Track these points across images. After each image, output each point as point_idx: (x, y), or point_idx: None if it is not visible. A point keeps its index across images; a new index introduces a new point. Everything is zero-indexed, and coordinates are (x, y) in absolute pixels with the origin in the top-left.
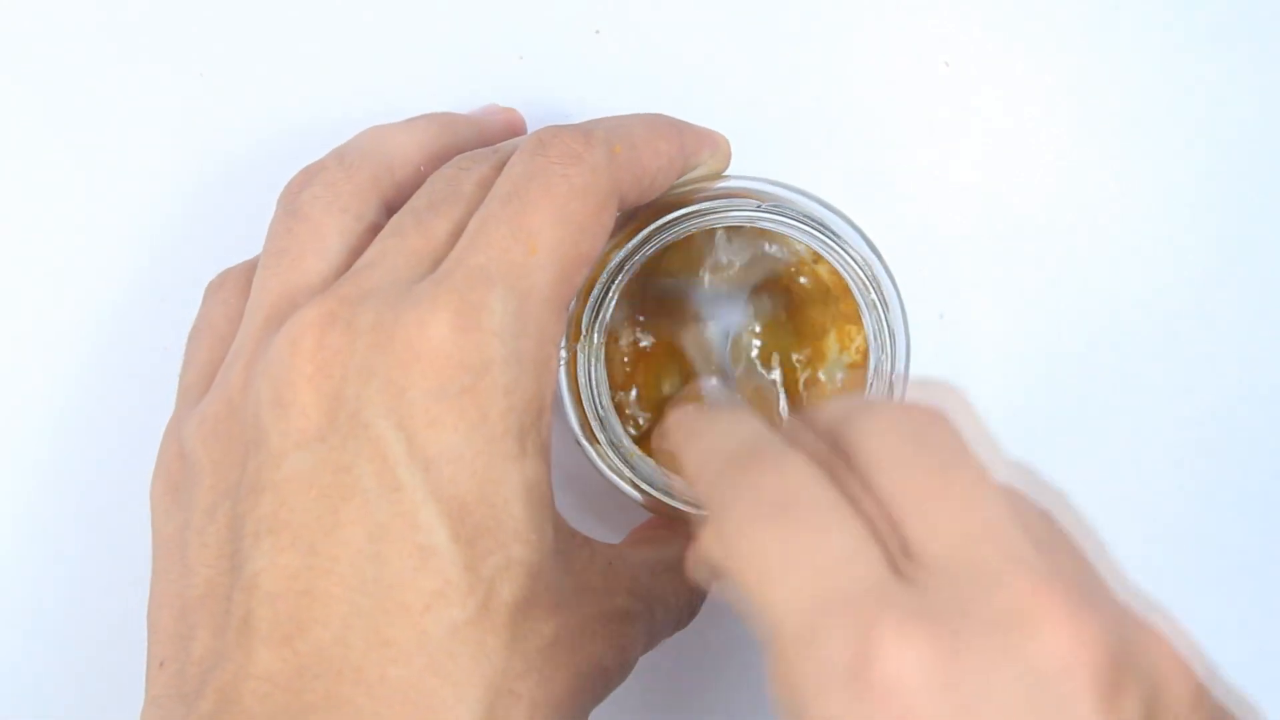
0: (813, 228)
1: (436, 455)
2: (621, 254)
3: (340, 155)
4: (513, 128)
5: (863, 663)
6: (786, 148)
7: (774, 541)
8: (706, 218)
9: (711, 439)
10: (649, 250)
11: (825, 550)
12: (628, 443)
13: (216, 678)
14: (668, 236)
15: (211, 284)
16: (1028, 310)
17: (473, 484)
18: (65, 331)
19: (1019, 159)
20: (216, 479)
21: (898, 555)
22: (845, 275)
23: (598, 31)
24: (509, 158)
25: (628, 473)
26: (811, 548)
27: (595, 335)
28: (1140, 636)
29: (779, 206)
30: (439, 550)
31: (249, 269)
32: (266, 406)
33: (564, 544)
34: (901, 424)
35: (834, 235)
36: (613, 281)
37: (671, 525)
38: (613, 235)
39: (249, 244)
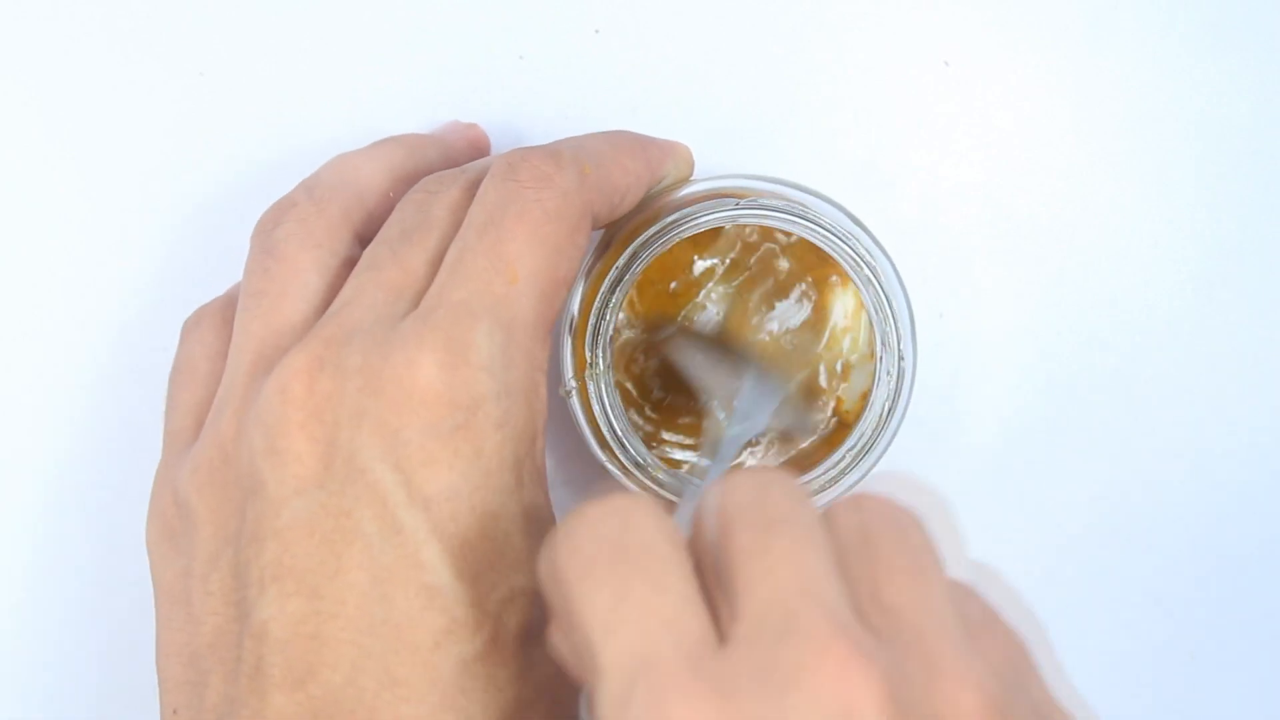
0: (791, 214)
1: (435, 494)
2: (612, 274)
3: (309, 189)
4: (477, 145)
5: None
6: (786, 147)
7: (608, 588)
8: (685, 226)
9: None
10: (638, 267)
11: (655, 607)
12: (650, 458)
13: None
14: (655, 248)
15: (188, 323)
16: (1028, 310)
17: (472, 520)
18: (70, 333)
19: (1019, 159)
20: (216, 527)
21: (728, 614)
22: (833, 253)
23: (598, 31)
24: (477, 179)
25: (655, 489)
26: (642, 602)
27: (600, 361)
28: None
29: (755, 201)
30: (444, 589)
31: (225, 305)
32: (261, 455)
33: None
34: (745, 487)
35: (814, 218)
36: (606, 305)
37: None
38: (597, 257)
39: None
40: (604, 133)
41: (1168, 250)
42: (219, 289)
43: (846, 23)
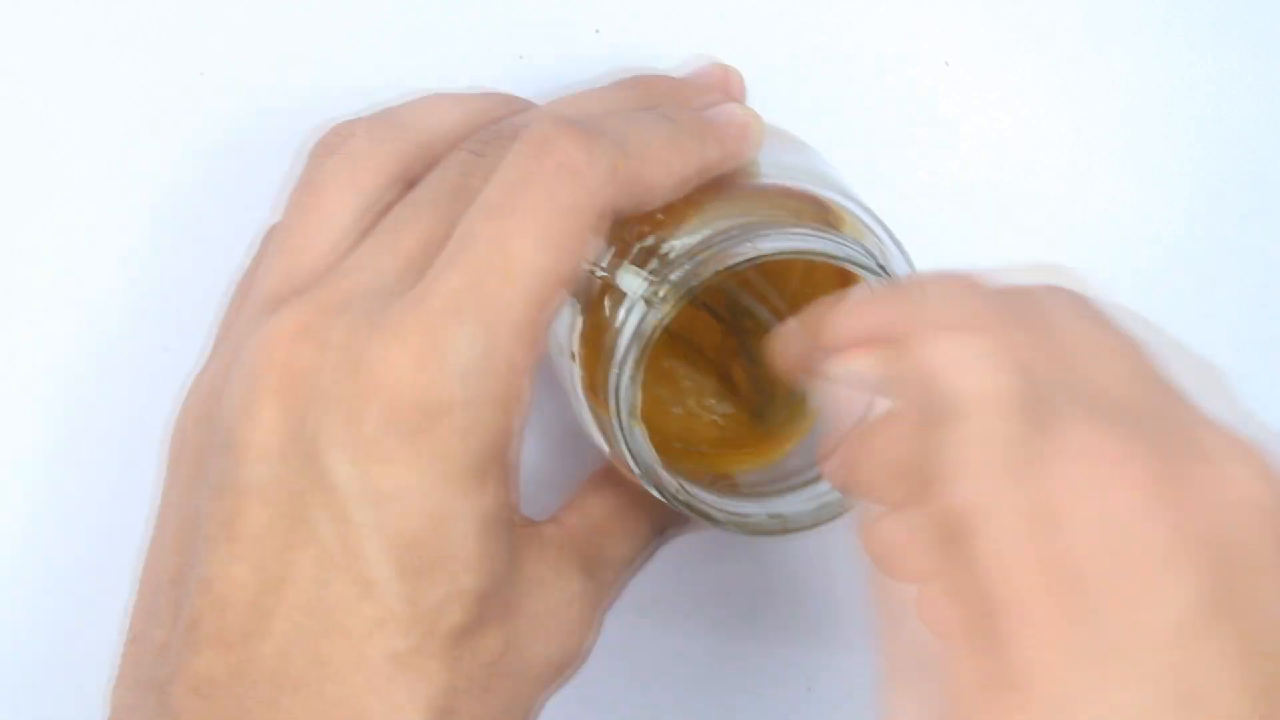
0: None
1: (387, 491)
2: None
3: (372, 123)
4: None
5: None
6: None
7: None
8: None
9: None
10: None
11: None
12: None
13: (163, 673)
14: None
15: (327, 147)
16: None
17: (423, 520)
18: (66, 330)
19: (1019, 159)
20: (196, 468)
21: None
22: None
23: (598, 31)
24: None
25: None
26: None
27: (672, 297)
28: None
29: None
30: (381, 584)
31: (376, 167)
32: (238, 412)
33: (516, 550)
34: (1067, 294)
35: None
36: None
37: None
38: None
39: (250, 239)
40: (669, 118)
41: (1167, 250)
42: (218, 289)
43: (847, 23)
